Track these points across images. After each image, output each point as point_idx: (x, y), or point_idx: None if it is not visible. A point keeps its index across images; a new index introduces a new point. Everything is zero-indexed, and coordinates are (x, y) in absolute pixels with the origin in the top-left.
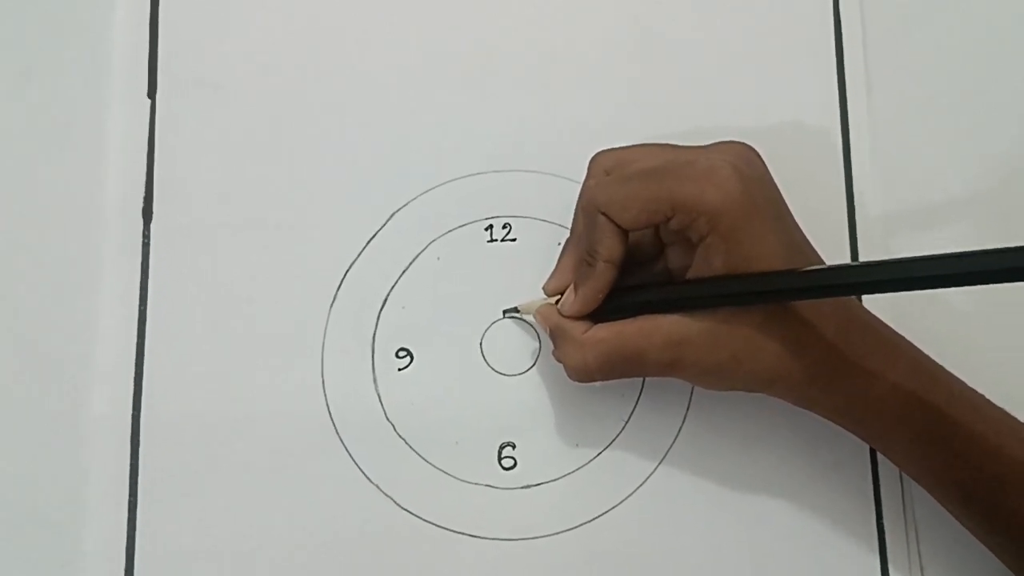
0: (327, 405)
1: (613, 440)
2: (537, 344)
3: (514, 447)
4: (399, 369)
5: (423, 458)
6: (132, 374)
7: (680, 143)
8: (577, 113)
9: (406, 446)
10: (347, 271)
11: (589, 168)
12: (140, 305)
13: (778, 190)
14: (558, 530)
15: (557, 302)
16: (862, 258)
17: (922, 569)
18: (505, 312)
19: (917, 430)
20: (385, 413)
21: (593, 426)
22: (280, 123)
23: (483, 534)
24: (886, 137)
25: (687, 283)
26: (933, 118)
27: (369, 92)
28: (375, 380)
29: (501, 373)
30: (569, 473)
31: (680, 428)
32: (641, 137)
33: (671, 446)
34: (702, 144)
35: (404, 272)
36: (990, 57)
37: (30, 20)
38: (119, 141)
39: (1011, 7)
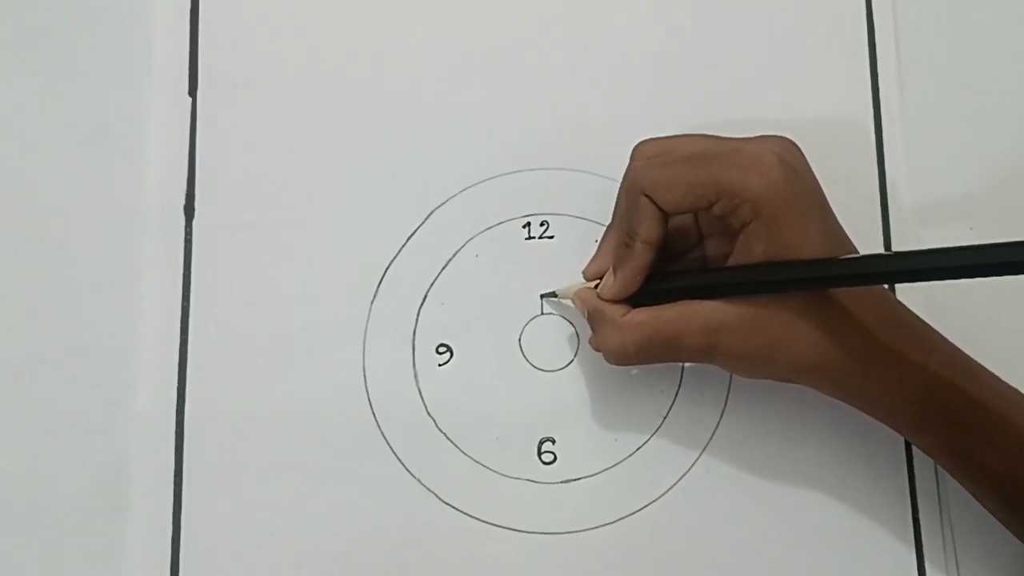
0: (369, 401)
1: (652, 435)
2: (576, 340)
3: (554, 442)
4: (439, 365)
5: (464, 453)
6: (175, 371)
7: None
8: (613, 110)
9: (447, 441)
10: (387, 268)
11: (633, 154)
12: (183, 302)
13: (818, 182)
14: (598, 524)
15: (596, 287)
16: (895, 250)
17: (957, 563)
18: (543, 296)
19: (952, 422)
20: (426, 408)
21: (632, 421)
22: (319, 121)
23: (523, 528)
24: (919, 129)
25: (727, 269)
26: (966, 110)
27: (408, 90)
28: (416, 376)
29: (540, 369)
30: (608, 468)
31: (718, 423)
32: (676, 132)
33: (709, 440)
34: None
35: (443, 269)
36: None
37: (71, 18)
38: (160, 139)
39: None
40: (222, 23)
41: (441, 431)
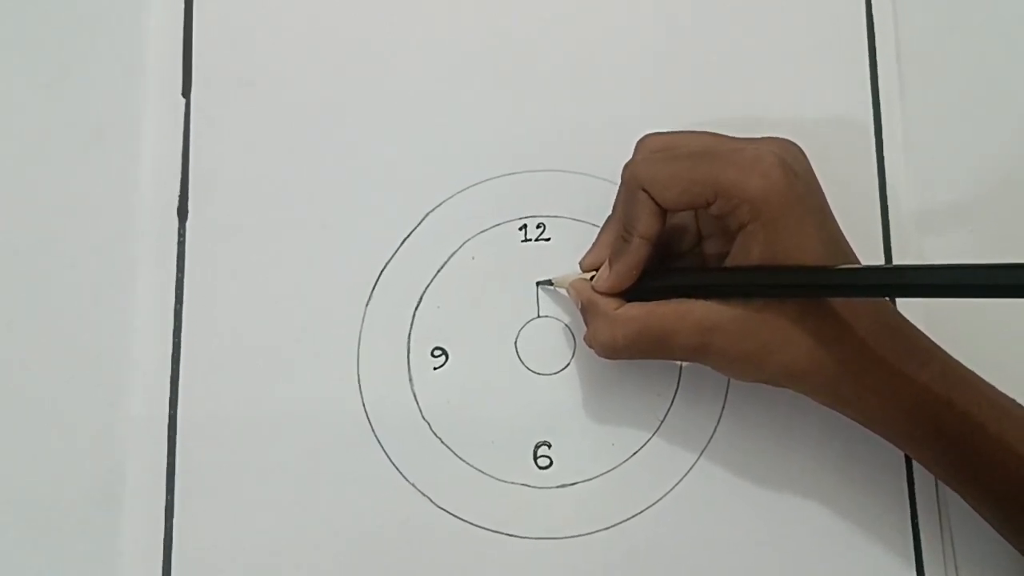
0: (363, 404)
1: (649, 439)
2: (573, 343)
3: (550, 446)
4: (434, 368)
5: (459, 457)
6: (168, 374)
7: None
8: (611, 112)
9: (442, 445)
10: (382, 270)
11: (636, 148)
12: (176, 304)
13: (820, 186)
14: (594, 529)
15: (592, 279)
16: (895, 256)
17: (957, 569)
18: (539, 283)
19: (946, 436)
20: (421, 412)
21: (629, 425)
22: (315, 122)
23: (519, 533)
24: (919, 134)
25: (724, 270)
26: (965, 112)
27: (404, 92)
28: (411, 379)
29: (536, 372)
30: (605, 472)
31: (716, 427)
32: None
33: (706, 445)
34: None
35: (439, 272)
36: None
37: (65, 20)
38: (154, 139)
39: None
40: (215, 24)
41: (436, 435)
